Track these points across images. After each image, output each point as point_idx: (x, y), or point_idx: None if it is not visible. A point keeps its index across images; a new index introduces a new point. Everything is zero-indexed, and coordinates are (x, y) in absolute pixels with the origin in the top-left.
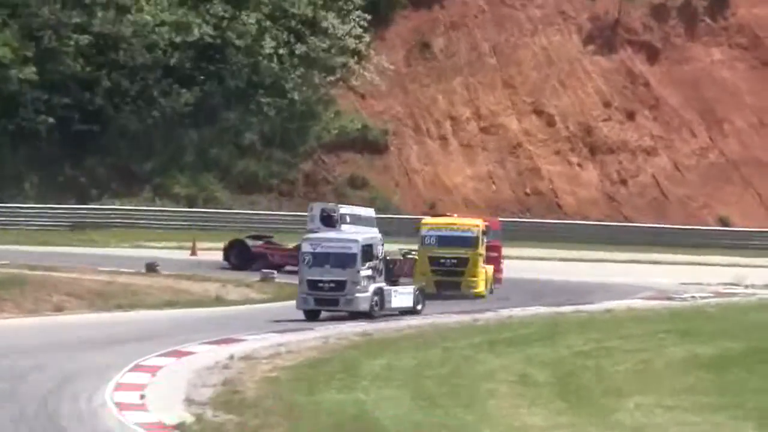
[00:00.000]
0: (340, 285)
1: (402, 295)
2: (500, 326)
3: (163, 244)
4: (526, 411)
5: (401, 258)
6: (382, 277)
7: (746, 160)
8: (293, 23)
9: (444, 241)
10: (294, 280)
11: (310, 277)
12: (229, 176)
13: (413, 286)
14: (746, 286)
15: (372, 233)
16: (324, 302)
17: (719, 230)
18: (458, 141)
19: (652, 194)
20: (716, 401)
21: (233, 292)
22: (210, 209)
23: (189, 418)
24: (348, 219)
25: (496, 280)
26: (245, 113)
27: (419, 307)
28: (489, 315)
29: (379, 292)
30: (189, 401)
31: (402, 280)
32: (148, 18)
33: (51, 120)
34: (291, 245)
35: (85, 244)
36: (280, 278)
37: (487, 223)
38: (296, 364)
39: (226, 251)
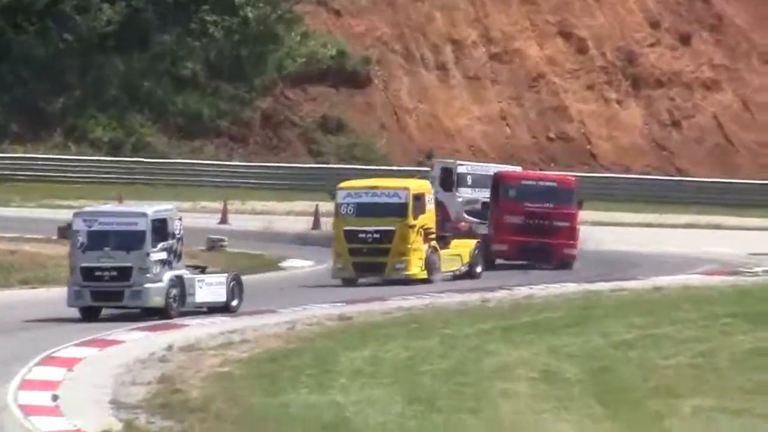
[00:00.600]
0: (124, 273)
1: (211, 287)
2: (517, 308)
3: (79, 203)
4: (552, 416)
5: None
6: (181, 261)
7: None
8: None
9: (364, 209)
10: (251, 249)
11: (84, 264)
12: (165, 116)
13: (226, 274)
14: None
15: (164, 206)
16: (103, 296)
17: None
18: (462, 72)
19: (714, 140)
20: None
21: None
22: (141, 158)
23: (116, 425)
24: (469, 180)
25: (569, 257)
26: (184, 35)
27: (235, 302)
28: (502, 294)
29: (177, 282)
30: (116, 403)
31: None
32: None
33: None
34: None
35: None
36: (232, 246)
37: (565, 181)
38: (254, 357)
39: None
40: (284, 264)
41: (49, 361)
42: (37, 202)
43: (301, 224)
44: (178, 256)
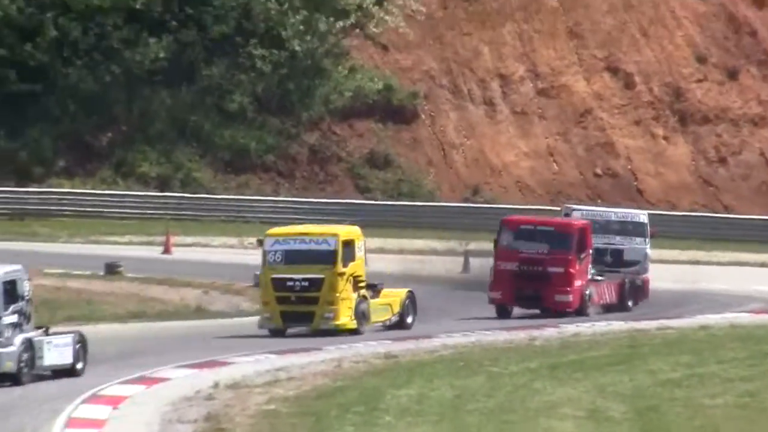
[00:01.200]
0: None
1: (58, 348)
2: (563, 346)
3: (127, 238)
4: None
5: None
6: (31, 323)
7: None
8: None
9: (292, 257)
10: None
11: None
12: (213, 150)
13: (72, 335)
14: None
15: (13, 267)
16: None
17: None
18: (509, 107)
19: (761, 177)
20: None
21: (219, 301)
22: (187, 194)
23: None
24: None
25: (563, 304)
26: (232, 68)
27: (80, 365)
28: (549, 332)
29: (28, 345)
30: None
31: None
32: None
33: None
34: None
35: (26, 238)
36: None
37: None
38: (300, 394)
39: None
40: None
41: (95, 399)
42: (84, 237)
43: None
44: (28, 318)
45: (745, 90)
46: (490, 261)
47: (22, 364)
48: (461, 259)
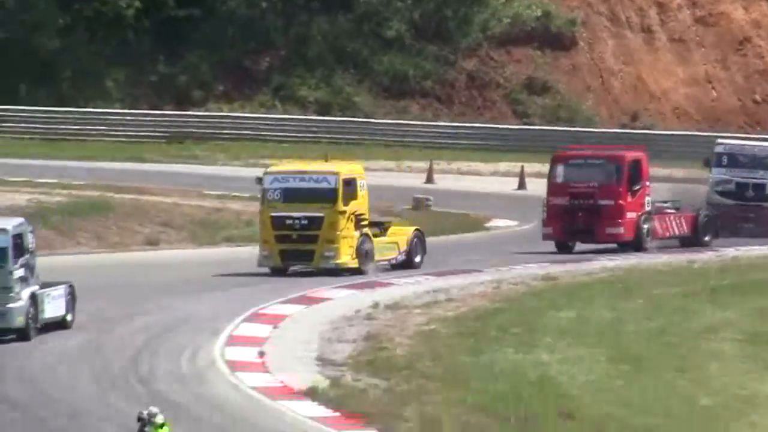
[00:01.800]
0: None
1: (54, 301)
2: (723, 269)
3: (285, 161)
4: (758, 376)
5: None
6: (36, 277)
7: None
8: None
9: (291, 195)
10: (456, 209)
11: None
12: (371, 77)
13: (64, 286)
14: None
15: (18, 220)
16: None
17: None
18: (667, 34)
19: None
20: None
21: None
22: (346, 118)
23: (322, 382)
24: (725, 160)
25: (615, 236)
26: None
27: (69, 317)
28: (708, 255)
29: (33, 299)
30: (322, 360)
31: None
32: None
33: (138, 4)
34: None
35: (185, 161)
36: (437, 205)
37: None
38: (459, 315)
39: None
40: (489, 224)
41: (255, 317)
42: (243, 160)
43: (507, 185)
44: (32, 271)
45: None
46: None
47: (30, 319)
48: None
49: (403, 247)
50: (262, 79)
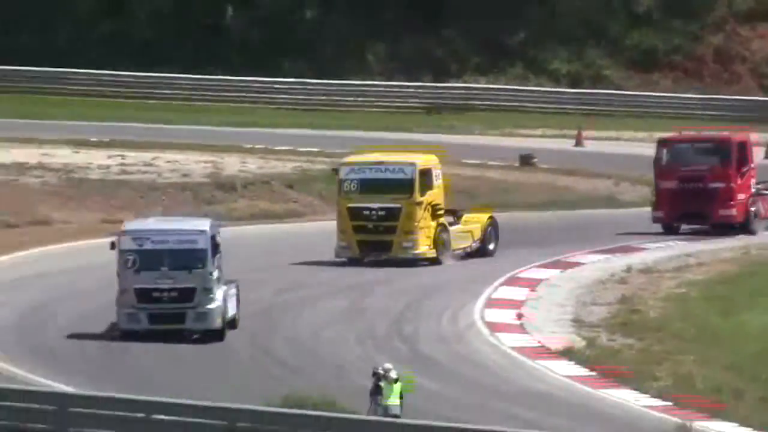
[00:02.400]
0: (186, 294)
1: (232, 299)
2: None
3: (539, 131)
4: None
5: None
6: (222, 276)
7: None
8: None
9: (368, 185)
10: None
11: (139, 285)
12: (621, 51)
13: (235, 284)
14: None
15: (210, 220)
16: (163, 319)
17: None
18: None
19: None
20: None
21: (629, 192)
22: (598, 90)
23: (579, 342)
24: None
25: (728, 218)
26: None
27: (237, 315)
28: None
29: (224, 298)
30: (578, 322)
31: None
32: None
33: None
34: None
35: (442, 131)
36: None
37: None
38: (708, 279)
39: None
40: None
41: (513, 281)
42: (498, 129)
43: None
44: (221, 270)
45: None
46: None
47: (223, 318)
48: None
49: (478, 235)
50: (515, 53)
